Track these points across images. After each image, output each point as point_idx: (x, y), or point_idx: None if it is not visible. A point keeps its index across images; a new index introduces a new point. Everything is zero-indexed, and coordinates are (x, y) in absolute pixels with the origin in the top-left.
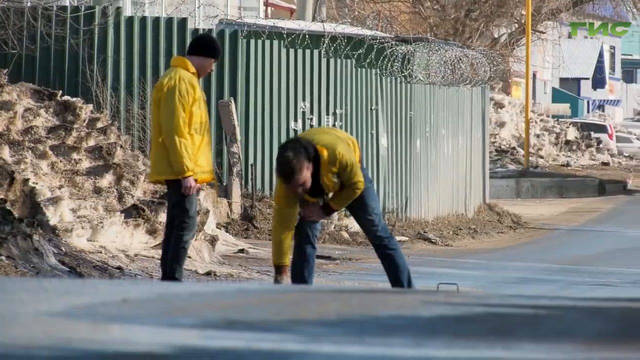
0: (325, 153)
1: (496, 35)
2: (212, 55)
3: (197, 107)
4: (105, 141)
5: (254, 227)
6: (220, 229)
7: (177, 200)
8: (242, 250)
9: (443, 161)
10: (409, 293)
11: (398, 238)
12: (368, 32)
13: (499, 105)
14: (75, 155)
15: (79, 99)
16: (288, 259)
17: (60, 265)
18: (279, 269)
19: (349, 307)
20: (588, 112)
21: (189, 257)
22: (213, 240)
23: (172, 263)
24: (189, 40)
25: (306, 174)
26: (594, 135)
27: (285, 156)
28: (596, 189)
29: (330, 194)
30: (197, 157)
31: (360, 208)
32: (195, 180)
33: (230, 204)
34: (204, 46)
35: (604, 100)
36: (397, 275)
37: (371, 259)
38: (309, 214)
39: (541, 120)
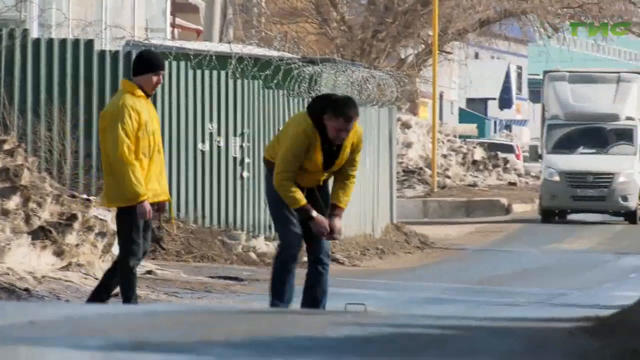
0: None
1: (403, 56)
2: (152, 70)
3: (143, 131)
4: (12, 163)
5: (161, 248)
6: None
7: (120, 228)
8: (149, 272)
9: None
10: (317, 314)
11: (304, 258)
12: (275, 53)
13: (406, 126)
14: None
15: None
16: None
17: None
18: (307, 207)
19: (257, 328)
20: (495, 132)
21: (96, 278)
22: None
23: (125, 292)
24: (95, 62)
25: None
26: (501, 155)
27: (354, 100)
28: (503, 208)
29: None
30: (146, 181)
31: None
32: (151, 204)
33: None
34: (143, 63)
35: (511, 121)
36: (319, 297)
37: None
38: (326, 230)
39: (448, 140)
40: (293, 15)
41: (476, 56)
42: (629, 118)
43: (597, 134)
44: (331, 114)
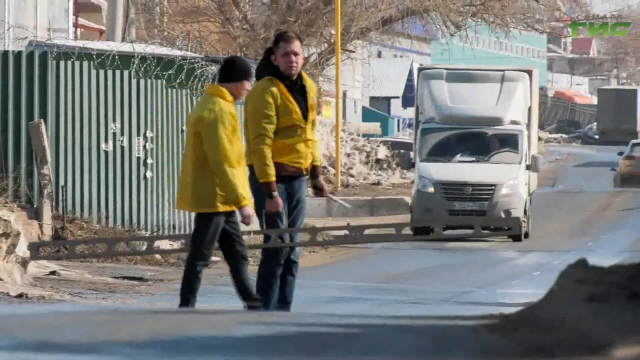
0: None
1: (306, 55)
2: (247, 77)
3: (237, 136)
4: None
5: (65, 248)
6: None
7: (198, 231)
8: (53, 272)
9: None
10: (222, 313)
11: (213, 258)
12: (178, 53)
13: None
14: None
15: None
16: None
17: None
18: (274, 186)
19: (162, 327)
20: (398, 130)
21: (0, 279)
22: (24, 262)
23: (184, 293)
24: None
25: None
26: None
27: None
28: (407, 207)
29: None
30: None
31: (300, 214)
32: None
33: (41, 226)
34: (238, 70)
35: (414, 119)
36: (292, 294)
37: None
38: (276, 214)
39: (352, 139)
40: (195, 14)
41: (379, 55)
42: (513, 122)
43: (477, 139)
44: (274, 49)
